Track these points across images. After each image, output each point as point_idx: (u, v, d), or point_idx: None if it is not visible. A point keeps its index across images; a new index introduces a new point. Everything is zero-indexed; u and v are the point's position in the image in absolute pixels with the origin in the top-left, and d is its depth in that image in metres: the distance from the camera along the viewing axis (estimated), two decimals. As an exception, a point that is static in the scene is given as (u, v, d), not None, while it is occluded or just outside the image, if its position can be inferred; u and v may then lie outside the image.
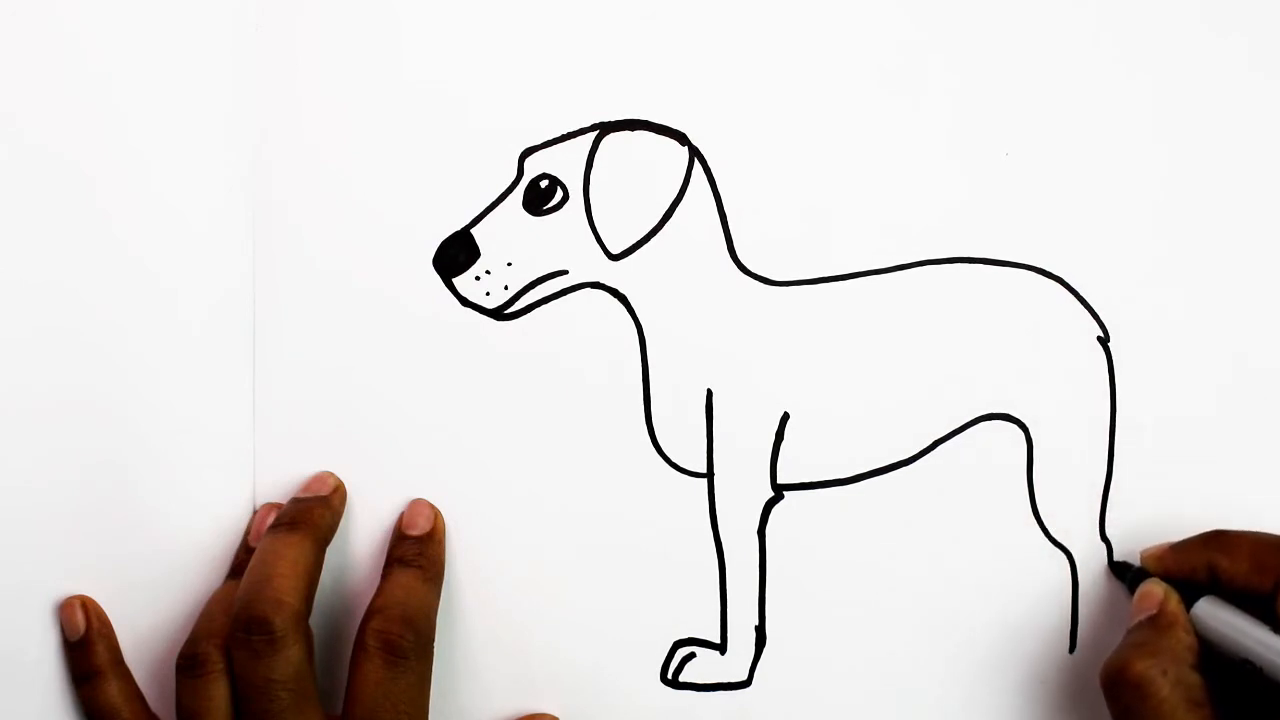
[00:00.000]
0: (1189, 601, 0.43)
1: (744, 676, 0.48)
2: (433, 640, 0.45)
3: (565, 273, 0.47)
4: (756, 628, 0.48)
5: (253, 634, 0.42)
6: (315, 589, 0.45)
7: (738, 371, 0.47)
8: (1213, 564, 0.44)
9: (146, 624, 0.47)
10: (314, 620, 0.45)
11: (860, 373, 0.47)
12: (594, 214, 0.47)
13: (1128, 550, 0.48)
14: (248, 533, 0.48)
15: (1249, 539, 0.44)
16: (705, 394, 0.48)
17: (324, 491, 0.47)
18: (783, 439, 0.48)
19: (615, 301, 0.47)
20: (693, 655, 0.48)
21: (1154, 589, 0.44)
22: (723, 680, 0.48)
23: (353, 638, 0.45)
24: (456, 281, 0.47)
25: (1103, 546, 0.48)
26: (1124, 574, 0.47)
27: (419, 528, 0.47)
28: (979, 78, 0.47)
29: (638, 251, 0.47)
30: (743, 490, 0.48)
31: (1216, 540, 0.44)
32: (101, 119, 0.45)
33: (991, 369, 0.48)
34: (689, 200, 0.47)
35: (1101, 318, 0.47)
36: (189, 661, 0.44)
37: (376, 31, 0.47)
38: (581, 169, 0.47)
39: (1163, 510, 0.48)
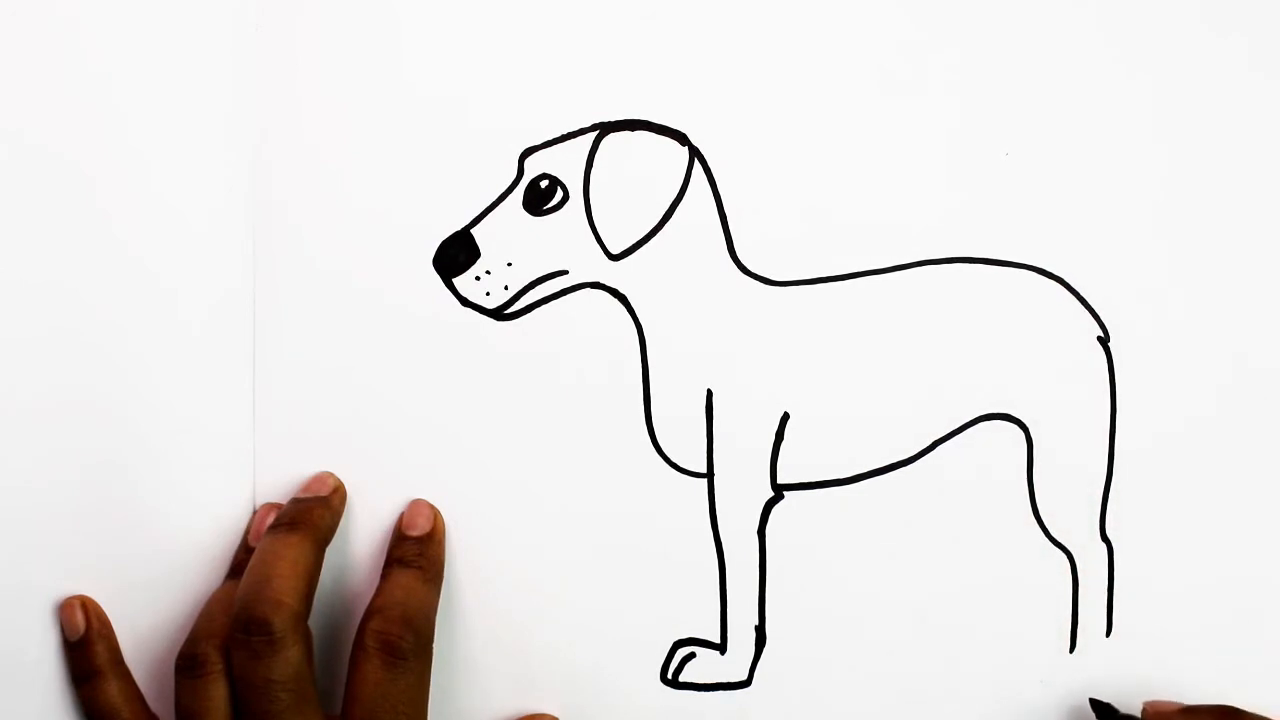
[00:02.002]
0: None
1: (744, 676, 0.48)
2: (432, 641, 0.45)
3: (565, 273, 0.47)
4: (756, 628, 0.48)
5: (252, 634, 0.42)
6: (315, 589, 0.45)
7: (738, 371, 0.47)
8: None
9: (146, 624, 0.47)
10: (314, 620, 0.45)
11: (860, 373, 0.47)
12: (594, 214, 0.47)
13: (1129, 550, 0.48)
14: (248, 533, 0.48)
15: None
16: (705, 394, 0.48)
17: (324, 491, 0.47)
18: (783, 439, 0.48)
19: (615, 301, 0.47)
20: (693, 655, 0.48)
21: None
22: (723, 680, 0.48)
23: (352, 638, 0.45)
24: (456, 281, 0.47)
25: (1103, 546, 0.48)
26: (1107, 716, 0.47)
27: (419, 528, 0.47)
28: (979, 78, 0.47)
29: (638, 251, 0.47)
30: (743, 490, 0.48)
31: (1230, 718, 0.44)
32: (101, 119, 0.45)
33: (991, 369, 0.48)
34: (689, 200, 0.47)
35: (1101, 318, 0.47)
36: (188, 662, 0.44)
37: (377, 31, 0.47)
38: (581, 169, 0.47)
39: (1163, 510, 0.48)
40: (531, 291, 0.47)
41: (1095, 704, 0.47)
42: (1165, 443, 0.48)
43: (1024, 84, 0.47)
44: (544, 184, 0.47)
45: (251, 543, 0.47)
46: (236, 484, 0.48)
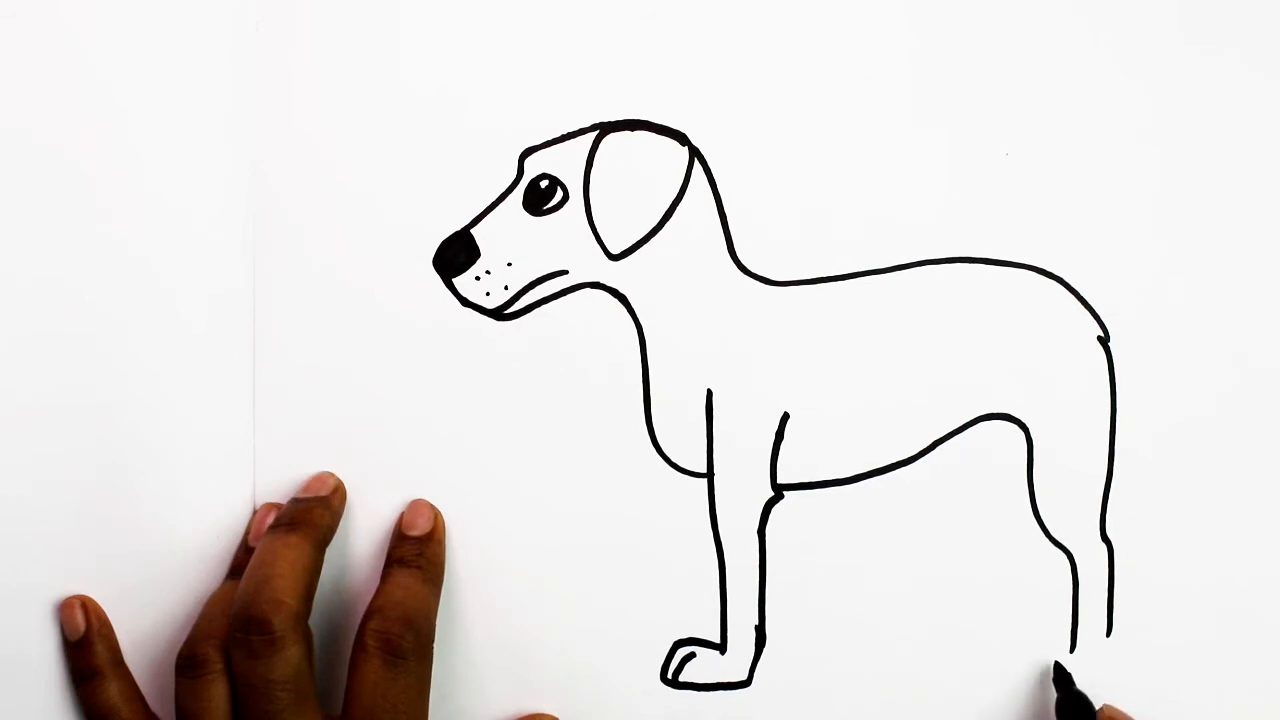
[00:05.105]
0: None
1: (744, 676, 0.48)
2: (432, 641, 0.45)
3: (565, 273, 0.47)
4: (756, 628, 0.48)
5: (251, 634, 0.42)
6: (315, 589, 0.45)
7: (738, 371, 0.47)
8: None
9: (146, 624, 0.47)
10: (314, 620, 0.45)
11: (860, 373, 0.47)
12: (594, 214, 0.47)
13: (1129, 550, 0.48)
14: (248, 533, 0.48)
15: None
16: (705, 394, 0.48)
17: (324, 492, 0.47)
18: (783, 439, 0.48)
19: (615, 301, 0.47)
20: (693, 655, 0.48)
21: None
22: (723, 680, 0.48)
23: (352, 638, 0.45)
24: (456, 281, 0.47)
25: (1103, 546, 0.48)
26: (1062, 682, 0.47)
27: (419, 528, 0.47)
28: (979, 78, 0.47)
29: (638, 251, 0.47)
30: (743, 490, 0.48)
31: None
32: (101, 119, 0.45)
33: (991, 369, 0.48)
34: (689, 200, 0.47)
35: (1101, 318, 0.47)
36: (188, 662, 0.44)
37: (377, 31, 0.47)
38: (581, 169, 0.47)
39: (1163, 510, 0.48)
40: (531, 291, 0.47)
41: (1058, 670, 0.48)
42: (1165, 443, 0.48)
43: (1024, 84, 0.47)
44: (544, 184, 0.47)
45: (251, 543, 0.47)
46: (236, 484, 0.48)
